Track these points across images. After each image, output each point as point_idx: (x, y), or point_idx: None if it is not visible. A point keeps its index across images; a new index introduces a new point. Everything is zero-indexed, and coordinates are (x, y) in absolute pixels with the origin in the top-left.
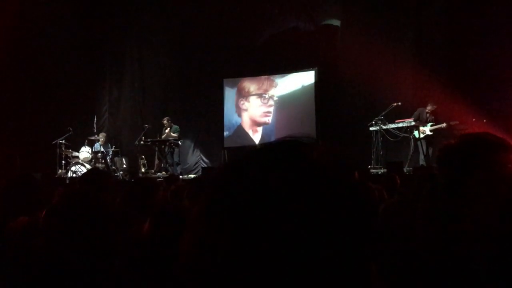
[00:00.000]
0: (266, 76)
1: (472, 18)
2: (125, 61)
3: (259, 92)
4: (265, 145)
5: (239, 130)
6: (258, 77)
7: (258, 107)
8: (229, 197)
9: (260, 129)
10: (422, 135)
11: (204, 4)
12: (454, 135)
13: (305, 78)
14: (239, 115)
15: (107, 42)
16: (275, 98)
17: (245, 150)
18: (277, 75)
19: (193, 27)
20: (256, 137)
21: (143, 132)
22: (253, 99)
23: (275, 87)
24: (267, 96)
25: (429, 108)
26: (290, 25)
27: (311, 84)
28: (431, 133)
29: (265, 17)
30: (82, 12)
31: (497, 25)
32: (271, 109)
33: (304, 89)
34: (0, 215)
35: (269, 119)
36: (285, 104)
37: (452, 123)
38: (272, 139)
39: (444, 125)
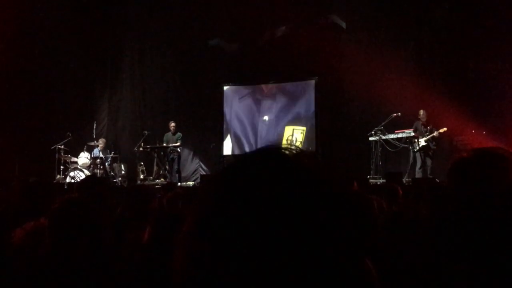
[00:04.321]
0: (266, 85)
1: (472, 31)
2: (125, 67)
3: (258, 100)
4: (251, 154)
5: (239, 138)
6: (258, 86)
7: (257, 115)
8: (220, 210)
9: (259, 137)
10: (418, 147)
11: (205, 9)
12: (455, 146)
13: (306, 87)
14: (238, 122)
15: (107, 48)
16: (275, 107)
17: (232, 160)
18: (278, 83)
19: (194, 34)
20: (255, 145)
21: (142, 138)
22: (252, 107)
23: (276, 95)
24: (266, 104)
25: (421, 120)
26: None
27: (312, 93)
28: (426, 143)
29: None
30: (81, 17)
31: (497, 37)
32: (271, 117)
33: (304, 98)
34: (12, 218)
35: (268, 128)
36: (285, 112)
37: (441, 130)
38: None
39: (435, 133)
